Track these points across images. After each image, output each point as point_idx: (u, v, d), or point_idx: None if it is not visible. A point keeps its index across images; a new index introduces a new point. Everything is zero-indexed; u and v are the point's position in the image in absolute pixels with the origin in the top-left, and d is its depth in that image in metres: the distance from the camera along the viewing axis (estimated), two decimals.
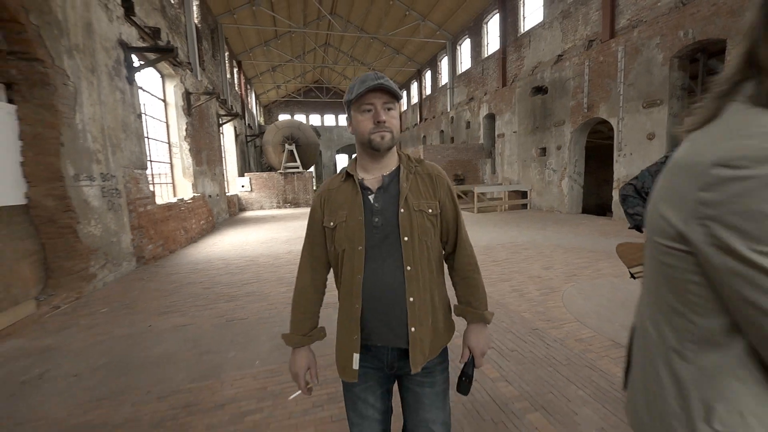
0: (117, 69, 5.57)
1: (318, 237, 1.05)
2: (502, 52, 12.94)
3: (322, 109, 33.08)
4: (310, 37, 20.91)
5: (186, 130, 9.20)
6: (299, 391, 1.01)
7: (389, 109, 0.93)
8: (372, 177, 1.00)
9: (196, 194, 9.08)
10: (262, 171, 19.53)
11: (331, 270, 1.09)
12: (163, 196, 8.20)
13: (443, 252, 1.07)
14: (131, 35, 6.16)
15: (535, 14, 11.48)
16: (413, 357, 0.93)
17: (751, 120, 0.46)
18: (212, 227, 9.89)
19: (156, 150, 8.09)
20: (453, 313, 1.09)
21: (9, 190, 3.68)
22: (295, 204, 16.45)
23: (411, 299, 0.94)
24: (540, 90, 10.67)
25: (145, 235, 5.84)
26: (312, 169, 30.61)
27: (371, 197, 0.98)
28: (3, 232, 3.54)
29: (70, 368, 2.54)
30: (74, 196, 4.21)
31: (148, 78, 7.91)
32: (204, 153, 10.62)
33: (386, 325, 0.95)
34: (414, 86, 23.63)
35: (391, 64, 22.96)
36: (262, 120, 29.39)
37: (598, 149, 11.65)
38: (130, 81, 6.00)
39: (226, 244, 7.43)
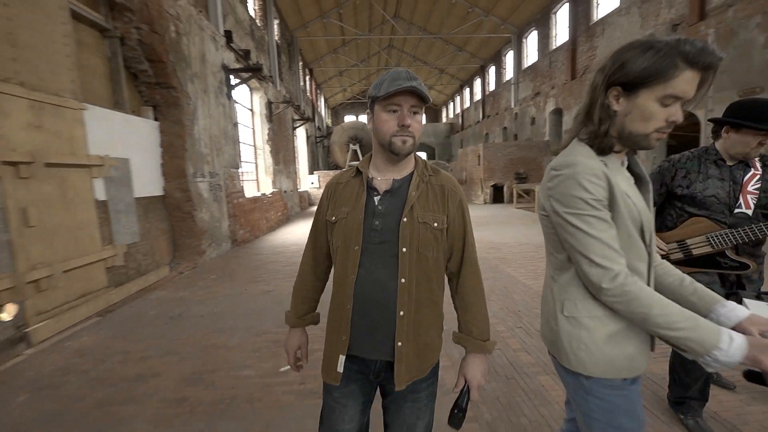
0: (220, 88, 6.92)
1: (321, 228, 1.04)
2: (572, 43, 12.21)
3: None
4: (374, 42, 21.90)
5: (268, 134, 10.69)
6: (288, 366, 0.99)
7: (415, 113, 0.90)
8: (382, 178, 0.97)
9: (274, 190, 10.52)
10: (329, 169, 21.14)
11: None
12: (250, 190, 9.72)
13: (447, 270, 1.03)
14: (230, 59, 7.53)
15: (610, 0, 10.63)
16: (398, 373, 0.90)
17: (571, 148, 0.90)
18: (287, 218, 11.30)
19: (244, 152, 9.63)
20: (452, 341, 1.05)
21: (155, 184, 5.03)
22: None
23: (401, 313, 0.90)
24: None
25: (238, 222, 7.15)
26: None
27: (376, 198, 0.95)
28: (151, 215, 4.87)
29: (197, 311, 3.56)
30: (193, 190, 5.49)
31: (239, 91, 9.44)
32: (281, 154, 12.13)
33: (372, 333, 0.92)
34: (477, 82, 23.18)
35: (454, 61, 22.89)
36: (329, 121, 31.54)
37: (689, 146, 10.37)
38: (229, 97, 7.36)
39: (299, 233, 8.56)
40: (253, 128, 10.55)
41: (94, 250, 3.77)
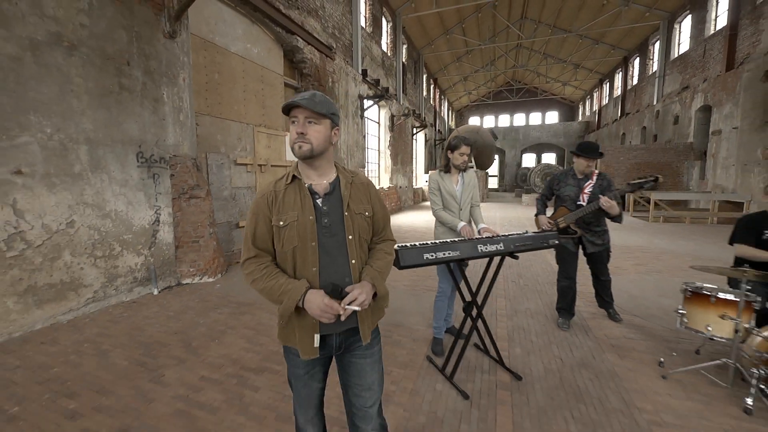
0: (356, 111, 9.82)
1: (266, 234, 1.13)
2: (732, 27, 10.33)
3: (512, 109, 33.40)
4: (499, 47, 22.31)
5: (389, 141, 13.44)
6: (346, 309, 1.03)
7: (311, 123, 1.07)
8: (318, 183, 1.14)
9: (390, 185, 13.20)
10: None
11: None
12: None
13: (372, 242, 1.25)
14: (364, 89, 10.40)
15: None
16: (363, 331, 1.14)
17: (433, 173, 2.74)
18: (399, 208, 13.88)
19: (371, 155, 12.58)
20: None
21: None
22: None
23: None
24: None
25: None
26: (496, 168, 31.77)
27: (319, 201, 1.12)
28: None
29: None
30: None
31: (369, 110, 12.40)
32: (399, 156, 14.79)
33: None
34: (618, 76, 20.61)
35: (591, 54, 20.99)
36: (453, 124, 33.11)
37: None
38: (362, 117, 10.24)
39: (410, 219, 10.89)
40: (378, 137, 13.49)
41: None
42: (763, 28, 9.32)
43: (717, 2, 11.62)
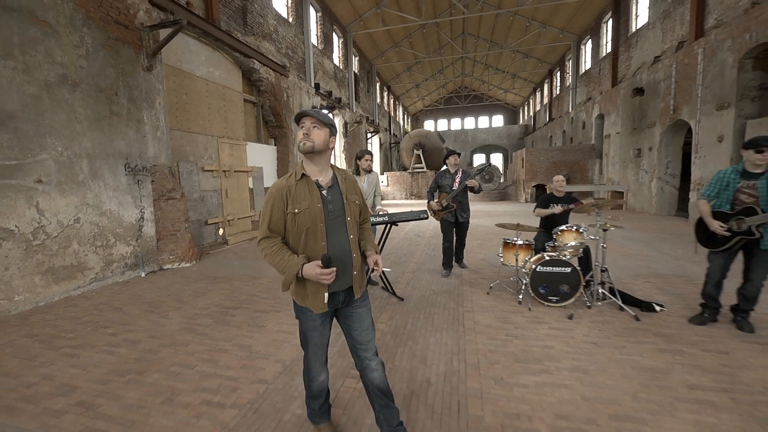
0: None
1: (280, 220, 1.47)
2: (614, 52, 12.92)
3: (463, 113, 36.03)
4: (446, 56, 24.46)
5: (343, 146, 14.73)
6: (376, 267, 1.52)
7: (315, 127, 1.43)
8: (323, 179, 1.51)
9: None
10: (399, 170, 24.64)
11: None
12: None
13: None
14: (317, 101, 11.62)
15: (646, 13, 11.29)
16: (355, 288, 1.54)
17: (358, 176, 4.15)
18: None
19: None
20: (362, 252, 1.63)
21: (272, 180, 9.23)
22: (418, 197, 20.63)
23: (354, 255, 1.52)
24: (639, 91, 10.78)
25: None
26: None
27: (324, 192, 1.49)
28: None
29: None
30: None
31: None
32: (354, 160, 16.14)
33: (341, 272, 1.47)
34: (546, 86, 23.56)
35: (524, 66, 23.78)
36: (409, 127, 35.06)
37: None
38: None
39: None
40: None
41: (247, 211, 7.97)
42: (633, 55, 11.88)
43: (606, 30, 14.29)
